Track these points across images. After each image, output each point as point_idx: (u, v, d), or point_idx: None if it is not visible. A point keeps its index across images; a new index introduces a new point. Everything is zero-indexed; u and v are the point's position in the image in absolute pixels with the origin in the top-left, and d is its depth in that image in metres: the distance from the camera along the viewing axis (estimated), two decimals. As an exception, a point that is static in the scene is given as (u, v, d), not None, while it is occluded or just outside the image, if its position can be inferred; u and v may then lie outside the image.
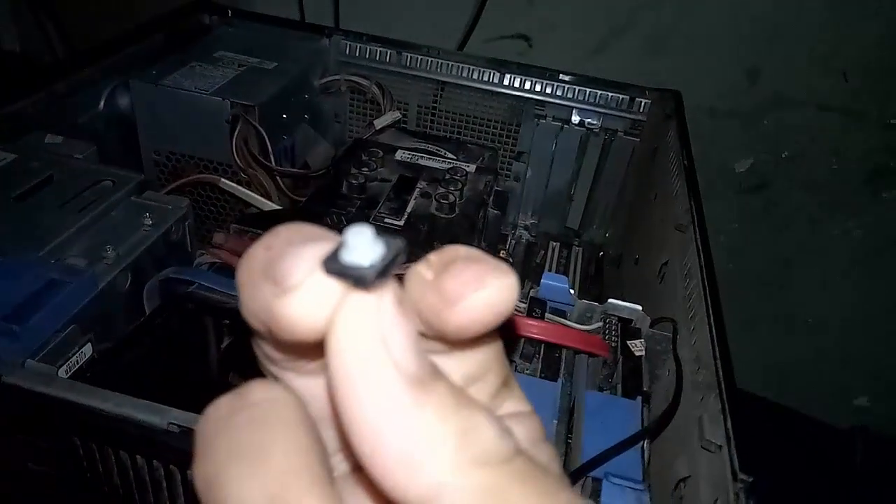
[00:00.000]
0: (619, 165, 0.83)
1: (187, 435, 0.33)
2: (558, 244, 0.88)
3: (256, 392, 0.13)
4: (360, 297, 0.12)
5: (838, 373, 1.33)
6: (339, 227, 0.53)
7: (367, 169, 0.58)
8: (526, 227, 0.90)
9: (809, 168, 1.17)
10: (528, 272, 0.78)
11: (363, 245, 0.12)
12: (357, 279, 0.12)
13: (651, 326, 0.48)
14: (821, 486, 1.22)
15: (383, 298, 0.12)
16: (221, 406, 0.13)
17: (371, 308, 0.12)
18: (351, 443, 0.12)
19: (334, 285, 0.12)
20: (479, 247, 0.53)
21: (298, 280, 0.12)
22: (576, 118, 0.81)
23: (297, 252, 0.12)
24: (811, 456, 1.27)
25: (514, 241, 0.87)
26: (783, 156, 1.18)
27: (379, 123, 0.67)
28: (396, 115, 0.69)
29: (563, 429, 0.39)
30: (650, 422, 0.39)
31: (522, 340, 0.42)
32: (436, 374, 0.12)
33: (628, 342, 0.45)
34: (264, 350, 0.14)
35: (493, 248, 0.53)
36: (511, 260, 0.77)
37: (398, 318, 0.12)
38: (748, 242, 1.24)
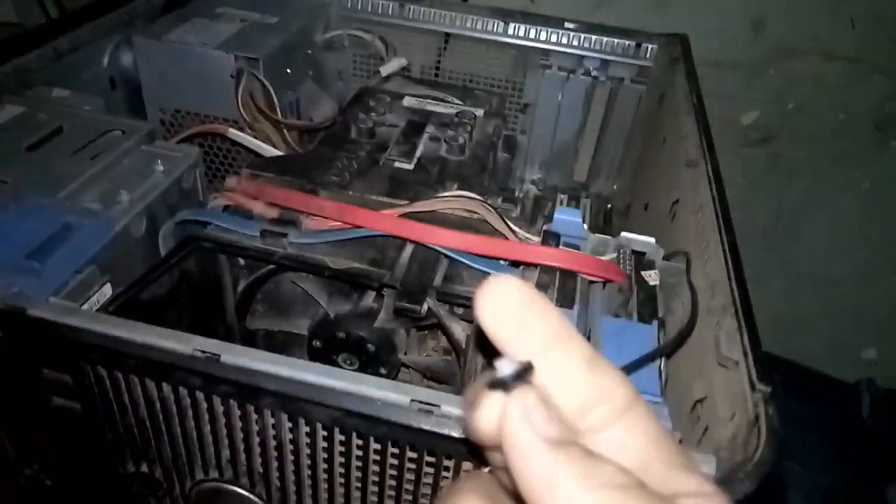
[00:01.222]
0: (625, 115, 0.83)
1: (212, 361, 0.33)
2: (566, 197, 0.88)
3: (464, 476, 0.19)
4: (509, 397, 0.18)
5: (846, 326, 1.33)
6: (349, 171, 0.53)
7: (374, 114, 0.58)
8: (533, 182, 0.90)
9: (816, 119, 1.17)
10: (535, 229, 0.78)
11: (506, 367, 0.18)
12: (504, 384, 0.18)
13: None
14: (827, 438, 1.23)
15: (526, 395, 0.18)
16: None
17: (517, 403, 0.17)
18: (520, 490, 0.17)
19: (497, 395, 0.18)
20: (489, 188, 0.53)
21: (477, 399, 0.18)
22: (581, 67, 0.80)
23: (476, 383, 0.19)
24: (818, 409, 1.28)
25: (521, 196, 0.87)
26: (789, 107, 1.17)
27: (385, 70, 0.67)
28: (402, 61, 0.69)
29: (581, 354, 0.39)
30: (666, 342, 0.39)
31: (538, 270, 0.43)
32: (571, 440, 0.17)
33: (642, 272, 0.45)
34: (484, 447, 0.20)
35: (504, 191, 0.53)
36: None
37: (538, 404, 0.18)
38: (754, 197, 1.24)
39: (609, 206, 0.89)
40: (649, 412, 0.19)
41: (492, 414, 0.18)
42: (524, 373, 0.18)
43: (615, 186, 0.89)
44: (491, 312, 0.19)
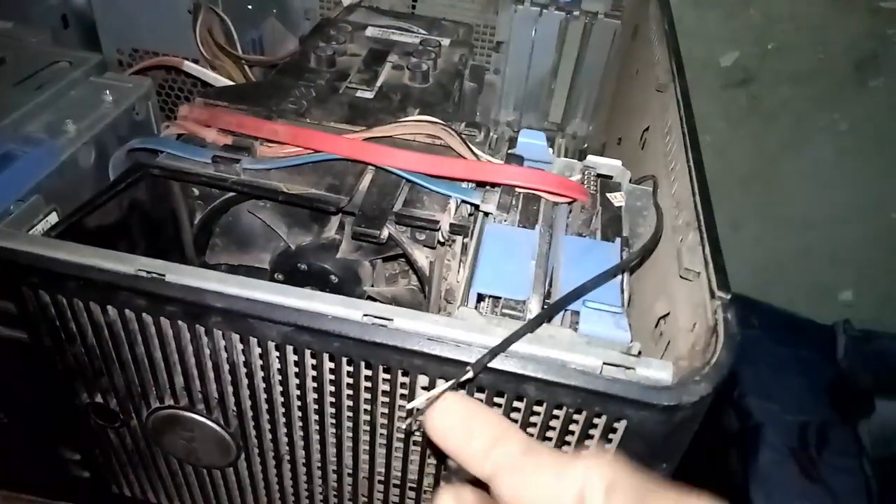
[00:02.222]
0: (600, 52, 0.81)
1: (157, 281, 0.32)
2: (541, 137, 0.86)
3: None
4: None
5: (824, 268, 1.34)
6: (307, 99, 0.51)
7: (335, 43, 0.56)
8: (508, 123, 0.88)
9: (796, 60, 1.15)
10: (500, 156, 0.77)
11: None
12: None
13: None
14: (803, 378, 1.25)
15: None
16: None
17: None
18: None
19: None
20: (454, 116, 0.52)
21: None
22: (555, 1, 0.78)
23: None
24: (794, 351, 1.29)
25: (495, 137, 0.85)
26: (769, 47, 1.15)
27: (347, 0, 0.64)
28: (365, -11, 0.66)
29: (542, 273, 0.38)
30: (630, 256, 0.38)
31: (500, 190, 0.42)
32: None
33: (608, 195, 0.44)
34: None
35: (470, 120, 0.51)
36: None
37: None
38: (734, 140, 1.23)
39: (585, 145, 0.88)
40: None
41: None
42: None
43: (590, 127, 0.87)
44: (438, 432, 0.23)
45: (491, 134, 0.53)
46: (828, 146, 1.22)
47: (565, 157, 0.87)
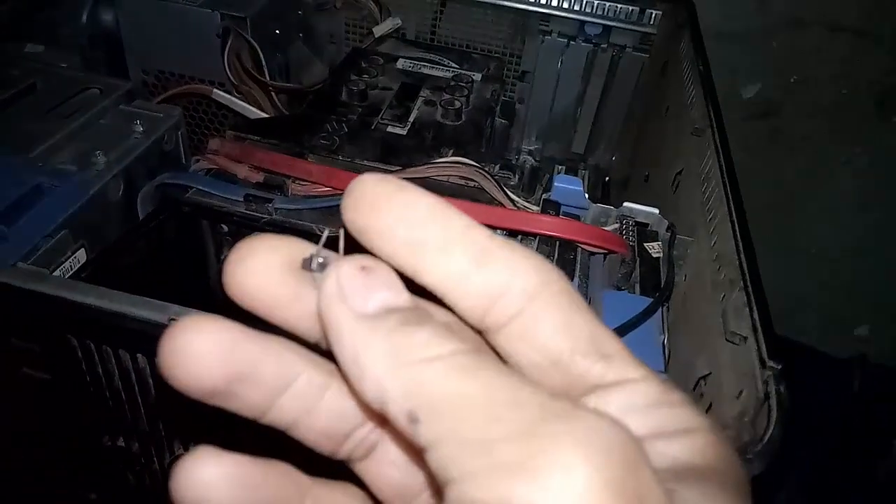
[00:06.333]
0: (626, 85, 0.80)
1: (190, 331, 0.31)
2: (563, 168, 0.85)
3: None
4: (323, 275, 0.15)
5: (840, 302, 1.32)
6: (339, 134, 0.50)
7: (367, 76, 0.55)
8: (530, 153, 0.87)
9: (818, 93, 1.14)
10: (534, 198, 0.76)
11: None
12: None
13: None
14: (818, 413, 1.23)
15: (339, 266, 0.15)
16: None
17: (331, 277, 0.15)
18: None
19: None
20: (486, 155, 0.51)
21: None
22: (582, 33, 0.77)
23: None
24: (809, 384, 1.27)
25: (518, 167, 0.85)
26: (791, 80, 1.14)
27: (378, 31, 0.64)
28: (397, 21, 0.65)
29: (581, 327, 0.37)
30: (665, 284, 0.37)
31: (537, 239, 0.41)
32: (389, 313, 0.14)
33: (645, 244, 0.44)
34: None
35: (500, 159, 0.50)
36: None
37: (354, 273, 0.15)
38: (754, 172, 1.22)
39: (607, 178, 0.87)
40: (563, 297, 0.15)
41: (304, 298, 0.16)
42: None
43: (614, 158, 0.86)
44: (359, 216, 0.15)
45: (521, 169, 0.52)
46: (847, 180, 1.21)
47: (587, 187, 0.86)
